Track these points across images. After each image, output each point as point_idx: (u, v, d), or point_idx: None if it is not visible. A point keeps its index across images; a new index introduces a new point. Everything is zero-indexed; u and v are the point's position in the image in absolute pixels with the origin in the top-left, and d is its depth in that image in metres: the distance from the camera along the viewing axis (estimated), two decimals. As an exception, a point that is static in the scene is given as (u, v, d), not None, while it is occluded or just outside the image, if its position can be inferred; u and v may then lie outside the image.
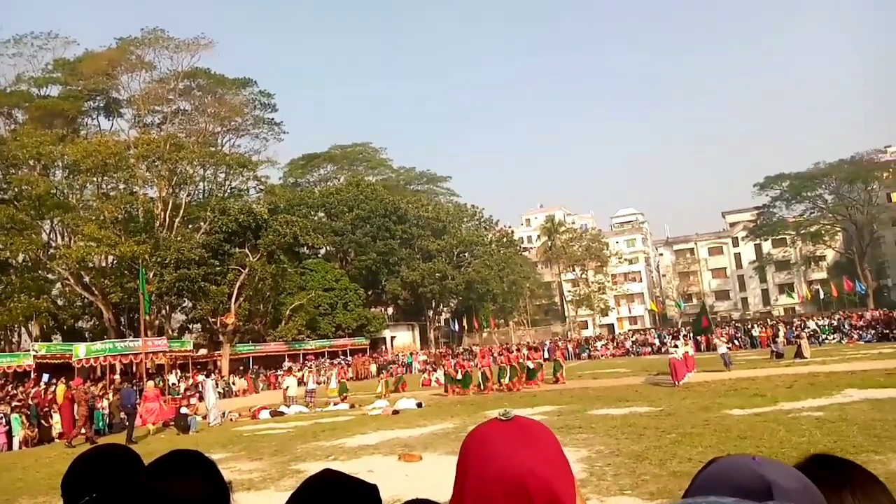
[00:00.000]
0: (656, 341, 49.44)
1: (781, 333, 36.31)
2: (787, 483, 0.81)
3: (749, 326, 48.92)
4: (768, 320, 53.83)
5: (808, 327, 43.17)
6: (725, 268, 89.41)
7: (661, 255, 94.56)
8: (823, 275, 76.01)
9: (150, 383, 23.87)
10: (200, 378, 29.47)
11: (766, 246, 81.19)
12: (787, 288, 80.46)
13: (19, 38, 47.40)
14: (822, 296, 62.28)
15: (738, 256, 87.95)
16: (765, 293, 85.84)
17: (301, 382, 32.46)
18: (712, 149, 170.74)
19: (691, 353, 26.81)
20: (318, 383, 33.88)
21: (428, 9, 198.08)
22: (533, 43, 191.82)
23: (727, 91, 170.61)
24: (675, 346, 23.23)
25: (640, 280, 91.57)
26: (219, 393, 35.66)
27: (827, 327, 44.26)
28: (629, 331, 67.96)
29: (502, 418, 1.12)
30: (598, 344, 53.66)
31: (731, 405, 14.97)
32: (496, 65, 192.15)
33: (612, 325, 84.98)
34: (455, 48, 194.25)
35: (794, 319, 50.90)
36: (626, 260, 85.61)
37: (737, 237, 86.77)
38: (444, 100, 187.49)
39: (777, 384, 18.67)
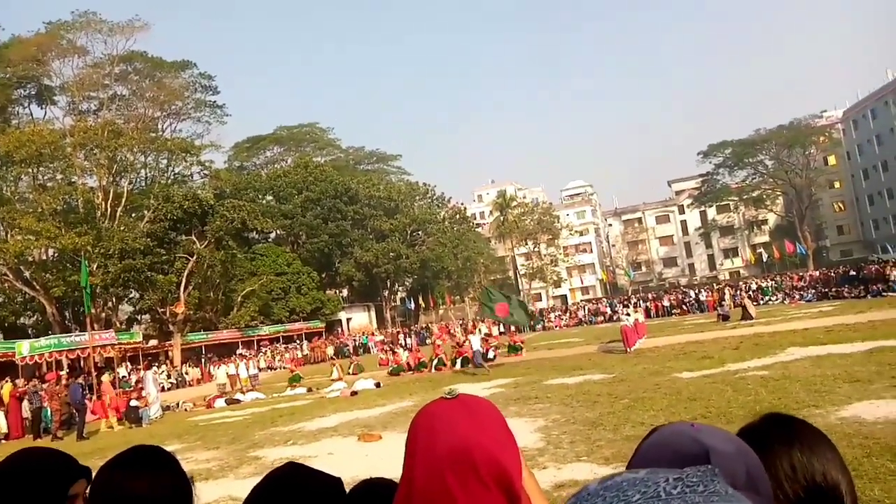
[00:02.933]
0: (608, 310, 50.54)
1: (727, 297, 37.50)
2: (723, 447, 0.85)
3: (697, 291, 50.37)
4: (714, 285, 55.51)
5: (752, 288, 44.79)
6: (672, 235, 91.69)
7: (611, 225, 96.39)
8: (766, 238, 78.75)
9: (106, 377, 23.29)
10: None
11: (711, 212, 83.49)
12: (731, 253, 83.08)
13: (-63, 23, 44.96)
14: (765, 259, 64.45)
15: (684, 224, 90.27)
16: (711, 258, 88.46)
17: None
18: (658, 118, 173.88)
19: (642, 320, 27.51)
20: (261, 369, 34.08)
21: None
22: (482, 17, 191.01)
23: (671, 59, 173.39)
24: (627, 315, 23.78)
25: (591, 251, 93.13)
26: (171, 383, 35.24)
27: (770, 289, 45.92)
28: (582, 301, 69.27)
29: (448, 396, 1.15)
30: (552, 315, 54.56)
31: (680, 368, 15.44)
32: (445, 41, 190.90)
33: (565, 296, 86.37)
34: (401, 24, 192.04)
35: (739, 283, 52.65)
36: (576, 232, 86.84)
37: (682, 205, 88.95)
38: (392, 77, 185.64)
39: (724, 346, 19.31)
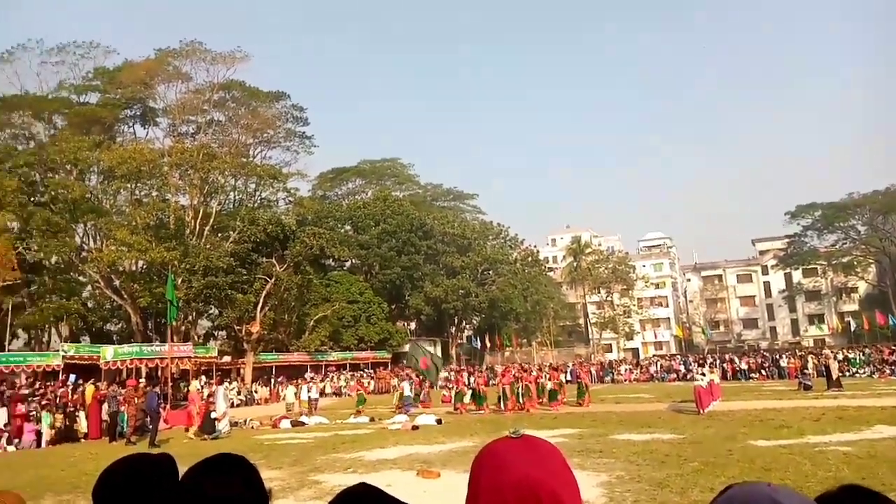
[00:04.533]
0: (681, 368, 48.76)
1: (810, 365, 35.59)
2: None
3: (777, 356, 48.01)
4: (797, 351, 52.77)
5: (838, 358, 42.33)
6: (754, 296, 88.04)
7: (689, 280, 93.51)
8: (855, 307, 74.48)
9: (194, 385, 24.09)
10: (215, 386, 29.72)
11: (797, 275, 79.92)
12: (816, 319, 79.00)
13: (63, 46, 48.84)
14: (853, 328, 60.95)
15: (767, 285, 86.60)
16: (794, 323, 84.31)
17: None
18: (744, 175, 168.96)
19: (717, 381, 26.40)
20: (326, 394, 35.36)
21: (460, 34, 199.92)
22: (562, 67, 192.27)
23: (761, 118, 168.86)
24: (702, 374, 22.89)
25: (667, 305, 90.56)
26: (241, 400, 36.21)
27: (858, 360, 43.30)
28: (654, 356, 67.12)
29: (512, 435, 1.18)
30: (622, 368, 53.08)
31: (755, 436, 14.72)
32: (526, 87, 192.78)
33: (637, 349, 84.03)
34: (486, 71, 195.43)
35: (824, 351, 49.92)
36: (652, 284, 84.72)
37: (766, 265, 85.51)
38: (474, 119, 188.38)
39: (804, 416, 18.31)
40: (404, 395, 29.10)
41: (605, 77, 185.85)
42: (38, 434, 20.88)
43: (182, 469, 1.56)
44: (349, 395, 41.21)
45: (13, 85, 47.06)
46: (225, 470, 1.46)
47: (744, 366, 45.65)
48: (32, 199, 39.55)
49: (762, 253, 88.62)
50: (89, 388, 23.61)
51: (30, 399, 22.42)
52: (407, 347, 60.39)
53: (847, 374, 39.49)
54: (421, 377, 34.79)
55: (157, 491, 1.48)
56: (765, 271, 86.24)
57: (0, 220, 36.03)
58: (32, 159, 39.92)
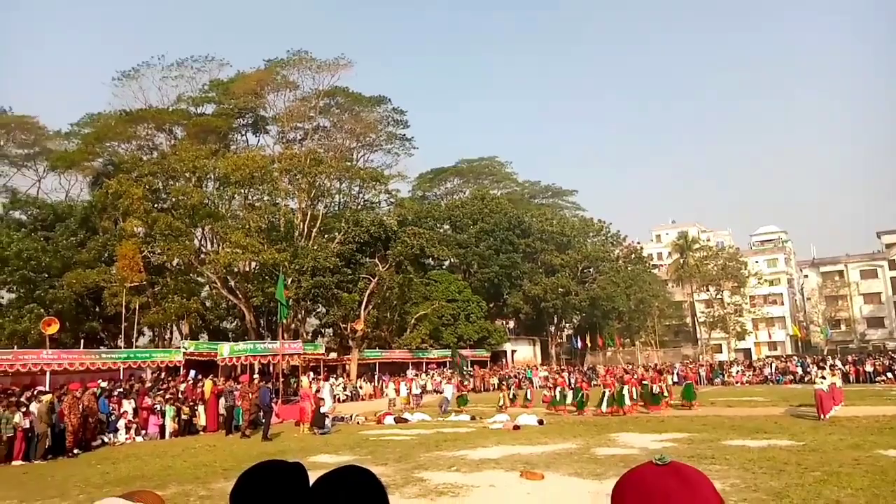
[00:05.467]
0: (799, 370, 45.95)
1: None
2: None
3: (907, 358, 44.33)
4: (931, 353, 48.51)
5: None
6: (880, 293, 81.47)
7: (806, 276, 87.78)
8: None
9: (305, 381, 25.13)
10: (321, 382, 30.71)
11: (929, 270, 73.38)
12: (953, 317, 72.22)
13: (181, 62, 52.12)
14: None
15: (894, 280, 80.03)
16: (926, 322, 77.53)
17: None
18: (867, 163, 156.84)
19: (839, 384, 24.70)
20: (426, 391, 36.38)
21: (552, 34, 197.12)
22: (666, 61, 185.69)
23: (881, 100, 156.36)
24: (822, 378, 21.46)
25: (782, 303, 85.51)
26: (346, 395, 37.36)
27: None
28: (768, 357, 63.61)
29: (658, 463, 1.12)
30: (734, 370, 50.59)
31: (885, 445, 13.67)
32: (621, 82, 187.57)
33: (749, 350, 79.87)
34: (584, 62, 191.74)
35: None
36: (766, 281, 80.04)
37: (894, 259, 79.02)
38: (574, 113, 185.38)
39: (942, 425, 16.82)
40: (445, 397, 30.00)
41: (719, 66, 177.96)
42: (162, 426, 22.31)
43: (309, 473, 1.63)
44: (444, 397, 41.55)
45: (138, 100, 50.76)
46: (354, 483, 1.51)
47: (869, 368, 42.50)
48: (156, 205, 42.20)
49: (889, 246, 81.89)
50: (208, 384, 24.96)
51: (154, 393, 24.01)
52: (507, 346, 60.43)
53: None
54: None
55: (292, 499, 1.55)
56: (892, 266, 79.69)
57: (128, 227, 38.85)
58: (156, 168, 42.64)
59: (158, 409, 22.54)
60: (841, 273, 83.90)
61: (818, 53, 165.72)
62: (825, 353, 60.79)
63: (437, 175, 76.56)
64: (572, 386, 30.37)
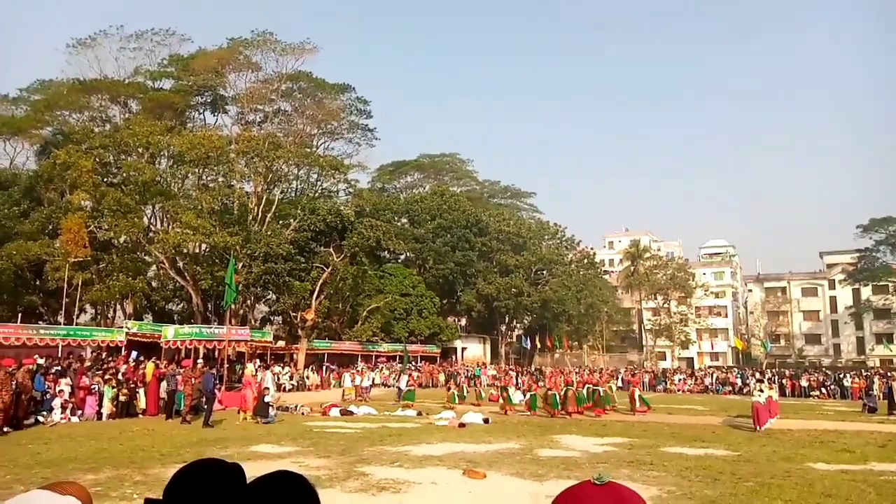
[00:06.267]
0: (738, 381, 47.38)
1: (876, 386, 34.05)
2: None
3: (840, 375, 46.10)
4: (862, 371, 50.52)
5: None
6: (819, 311, 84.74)
7: (751, 291, 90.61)
8: (929, 327, 70.79)
9: (250, 368, 24.64)
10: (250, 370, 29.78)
11: (866, 292, 76.49)
12: (885, 338, 75.42)
13: (141, 33, 50.51)
14: (925, 350, 57.98)
15: (833, 300, 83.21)
16: (860, 341, 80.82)
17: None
18: (814, 186, 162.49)
19: (776, 397, 25.51)
20: (374, 385, 36.70)
21: (519, 34, 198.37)
22: (623, 70, 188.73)
23: (833, 128, 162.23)
24: (760, 390, 22.13)
25: (726, 315, 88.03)
26: (293, 385, 36.94)
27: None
28: (710, 367, 65.41)
29: (596, 482, 1.09)
30: (676, 377, 51.91)
31: (815, 458, 14.15)
32: (584, 88, 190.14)
33: (692, 359, 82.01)
34: (543, 72, 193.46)
35: (892, 372, 47.67)
36: (712, 293, 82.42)
37: (834, 279, 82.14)
38: (536, 118, 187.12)
39: (868, 441, 17.52)
40: (401, 388, 32.20)
41: (669, 81, 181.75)
42: (99, 407, 21.66)
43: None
44: (397, 386, 41.53)
45: (93, 69, 49.05)
46: (290, 489, 1.46)
47: (804, 383, 44.08)
48: (106, 179, 40.95)
49: (830, 266, 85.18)
50: (149, 366, 24.36)
51: (93, 372, 23.28)
52: (458, 343, 60.65)
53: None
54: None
55: (227, 499, 1.49)
56: (832, 286, 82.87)
57: (75, 199, 37.58)
58: (108, 141, 41.34)
59: (96, 389, 21.88)
60: (784, 289, 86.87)
61: (769, 70, 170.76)
62: (764, 366, 62.76)
63: (398, 168, 76.26)
64: (519, 386, 30.67)
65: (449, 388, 32.03)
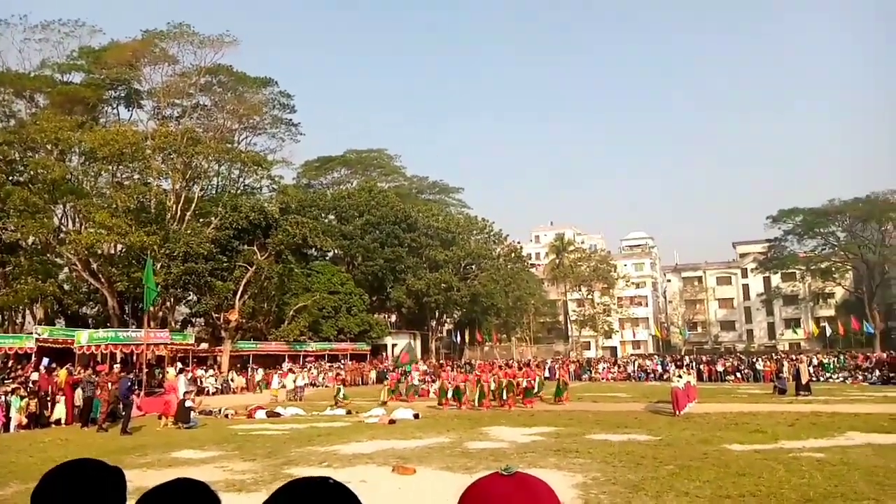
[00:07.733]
0: (658, 368, 49.16)
1: (786, 368, 35.98)
2: None
3: (753, 360, 48.53)
4: (773, 354, 53.36)
5: (813, 363, 42.78)
6: (733, 298, 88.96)
7: (669, 281, 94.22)
8: (831, 312, 75.43)
9: (172, 373, 23.67)
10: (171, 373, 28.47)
11: (775, 279, 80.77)
12: (793, 323, 79.96)
13: (47, 24, 47.76)
14: (828, 333, 61.74)
15: (746, 288, 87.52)
16: (771, 326, 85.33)
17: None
18: (727, 178, 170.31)
19: (693, 383, 26.60)
20: (305, 385, 35.89)
21: (452, 25, 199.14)
22: (550, 63, 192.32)
23: (743, 123, 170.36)
24: (679, 376, 23.03)
25: (647, 305, 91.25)
26: (217, 388, 35.90)
27: (832, 365, 43.89)
28: (632, 355, 67.62)
29: (504, 473, 1.08)
30: (600, 366, 53.41)
31: (730, 440, 14.82)
32: (514, 84, 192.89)
33: (615, 348, 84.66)
34: (474, 64, 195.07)
35: (800, 355, 50.56)
36: (633, 283, 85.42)
37: (746, 268, 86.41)
38: (463, 113, 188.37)
39: (778, 421, 18.49)
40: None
41: (591, 77, 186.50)
42: (7, 418, 20.45)
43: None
44: (327, 385, 41.08)
45: (-6, 61, 46.16)
46: (189, 498, 1.36)
47: (720, 368, 46.11)
48: (11, 178, 38.73)
49: (742, 256, 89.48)
50: (62, 373, 23.22)
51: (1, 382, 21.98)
52: (388, 340, 60.43)
53: (821, 379, 40.06)
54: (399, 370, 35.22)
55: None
56: (744, 274, 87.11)
57: (-24, 199, 35.32)
58: (12, 137, 39.05)
59: (3, 399, 20.63)
60: (700, 279, 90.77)
61: (693, 65, 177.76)
62: (682, 352, 65.33)
63: (324, 164, 75.17)
64: (450, 381, 30.77)
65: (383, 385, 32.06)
